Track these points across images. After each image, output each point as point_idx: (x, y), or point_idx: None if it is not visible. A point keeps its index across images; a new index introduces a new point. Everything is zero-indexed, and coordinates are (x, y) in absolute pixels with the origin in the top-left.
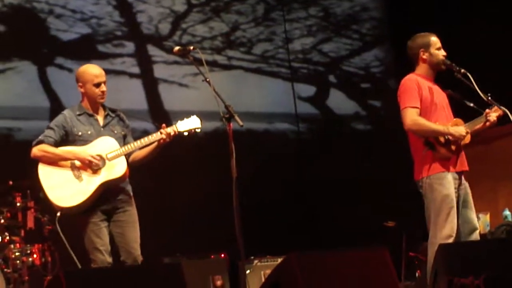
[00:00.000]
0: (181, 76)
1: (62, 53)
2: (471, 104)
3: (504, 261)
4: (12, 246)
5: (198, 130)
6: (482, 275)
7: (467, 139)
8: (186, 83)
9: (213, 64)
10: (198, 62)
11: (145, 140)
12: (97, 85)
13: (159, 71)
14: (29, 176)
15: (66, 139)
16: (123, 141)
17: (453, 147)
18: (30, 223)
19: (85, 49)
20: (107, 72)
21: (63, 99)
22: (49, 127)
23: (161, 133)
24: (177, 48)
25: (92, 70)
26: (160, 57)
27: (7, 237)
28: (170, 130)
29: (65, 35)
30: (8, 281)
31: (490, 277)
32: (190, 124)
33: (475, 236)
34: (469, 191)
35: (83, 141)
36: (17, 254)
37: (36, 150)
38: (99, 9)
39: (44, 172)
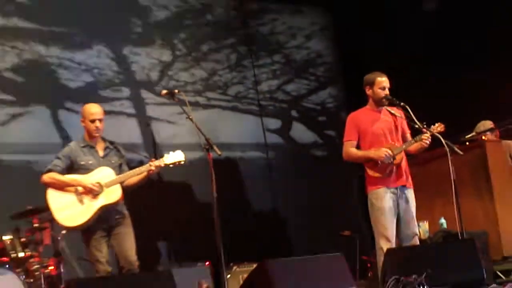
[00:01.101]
0: (169, 115)
1: (71, 98)
2: (416, 125)
3: (442, 261)
4: (31, 260)
5: (182, 163)
6: (423, 274)
7: (398, 158)
8: (173, 120)
9: (195, 104)
10: (182, 102)
11: (136, 171)
12: (92, 121)
13: (150, 110)
14: (45, 200)
15: (71, 167)
16: (119, 169)
17: (382, 168)
18: (47, 240)
19: (90, 94)
20: (108, 112)
21: (72, 136)
22: (57, 157)
23: (150, 165)
24: (164, 91)
25: (90, 108)
26: (151, 99)
27: (28, 252)
28: (158, 163)
29: (73, 83)
30: None
31: (431, 275)
32: (175, 157)
33: (415, 240)
34: (411, 201)
35: (85, 169)
36: (36, 266)
37: (46, 177)
38: (100, 61)
39: (52, 196)
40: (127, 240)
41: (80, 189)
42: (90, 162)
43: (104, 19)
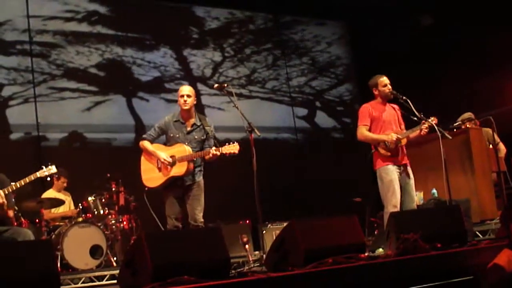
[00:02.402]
0: (219, 103)
1: (142, 89)
2: (415, 116)
3: (433, 222)
4: (110, 217)
5: (235, 154)
6: (419, 232)
7: (404, 141)
8: (223, 108)
9: (239, 95)
10: (230, 94)
11: (199, 153)
12: (181, 96)
13: (205, 100)
14: (121, 170)
15: (165, 136)
16: (202, 144)
17: (391, 148)
18: (121, 201)
19: (157, 86)
20: (170, 101)
21: (143, 119)
22: (153, 127)
23: (209, 152)
24: (216, 85)
25: (182, 87)
26: (205, 91)
27: (107, 211)
28: (215, 152)
29: (144, 77)
30: (107, 239)
31: (424, 233)
32: (231, 149)
33: (414, 206)
34: (411, 176)
35: (174, 141)
36: (113, 222)
37: (140, 144)
38: (165, 60)
39: (143, 160)
40: (197, 203)
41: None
42: (177, 135)
43: (169, 27)
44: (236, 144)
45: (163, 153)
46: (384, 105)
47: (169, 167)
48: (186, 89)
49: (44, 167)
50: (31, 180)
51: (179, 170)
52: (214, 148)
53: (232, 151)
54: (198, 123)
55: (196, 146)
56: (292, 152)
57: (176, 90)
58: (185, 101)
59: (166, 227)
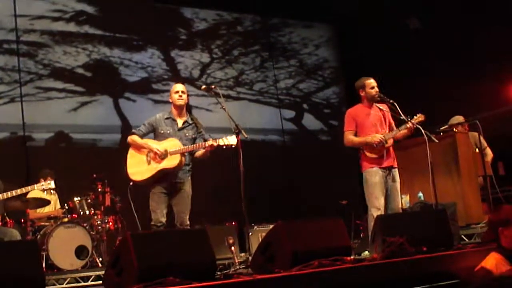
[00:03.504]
0: (207, 104)
1: (129, 90)
2: (402, 117)
3: (419, 226)
4: (95, 217)
5: (233, 146)
6: (404, 235)
7: (390, 142)
8: (210, 109)
9: (227, 97)
10: (217, 95)
11: (195, 146)
12: (176, 92)
13: (192, 101)
14: (107, 171)
15: (154, 133)
16: (193, 142)
17: (377, 150)
18: (107, 202)
19: (144, 87)
20: (158, 102)
21: (130, 120)
22: (143, 123)
23: (207, 143)
24: (203, 86)
25: (176, 84)
26: (193, 91)
27: (92, 211)
28: (213, 143)
29: (131, 78)
30: (92, 240)
31: (410, 236)
32: (229, 141)
33: (398, 209)
34: (397, 179)
35: (163, 137)
36: (98, 222)
37: (129, 138)
38: (153, 61)
39: (130, 154)
40: (183, 203)
41: (150, 152)
42: (168, 131)
43: (156, 28)
44: (233, 136)
45: (155, 144)
46: (370, 108)
47: (159, 159)
48: (180, 86)
49: (43, 180)
50: (28, 191)
51: (171, 162)
52: (211, 140)
53: (230, 143)
54: (190, 122)
55: (187, 143)
56: (280, 154)
57: (164, 91)
58: (180, 96)
59: (151, 223)
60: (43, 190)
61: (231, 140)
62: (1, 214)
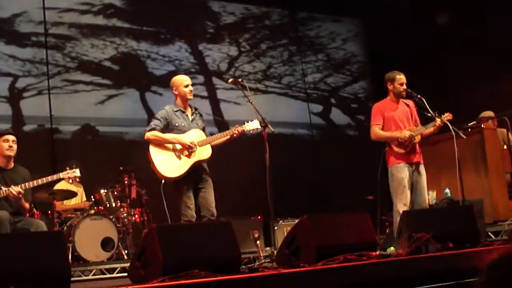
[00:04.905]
0: (235, 98)
1: (156, 83)
2: (429, 114)
3: (445, 222)
4: (121, 209)
5: (258, 130)
6: (431, 231)
7: (418, 138)
8: (238, 102)
9: (255, 90)
10: (244, 88)
11: (224, 134)
12: (186, 86)
13: (220, 94)
14: (133, 163)
15: (167, 127)
16: (203, 131)
17: (405, 146)
18: (133, 195)
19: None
20: None
21: (156, 112)
22: (156, 118)
23: (234, 130)
24: (231, 79)
25: (182, 77)
26: (220, 85)
27: (119, 204)
28: (241, 128)
29: (158, 71)
30: (118, 232)
31: (436, 232)
32: (253, 125)
33: (425, 205)
34: (423, 175)
35: (179, 130)
36: (125, 215)
37: (149, 134)
38: (180, 54)
39: (154, 151)
40: (211, 195)
41: (178, 146)
42: (183, 124)
43: (184, 21)
44: (255, 120)
45: (183, 138)
46: (396, 103)
47: (188, 153)
48: (189, 78)
49: (68, 168)
50: (53, 179)
51: (203, 154)
52: (237, 125)
53: (254, 127)
54: (196, 112)
55: None
56: (308, 148)
57: (191, 85)
58: (190, 90)
59: (182, 219)
60: (69, 178)
61: (255, 124)
62: (29, 202)
